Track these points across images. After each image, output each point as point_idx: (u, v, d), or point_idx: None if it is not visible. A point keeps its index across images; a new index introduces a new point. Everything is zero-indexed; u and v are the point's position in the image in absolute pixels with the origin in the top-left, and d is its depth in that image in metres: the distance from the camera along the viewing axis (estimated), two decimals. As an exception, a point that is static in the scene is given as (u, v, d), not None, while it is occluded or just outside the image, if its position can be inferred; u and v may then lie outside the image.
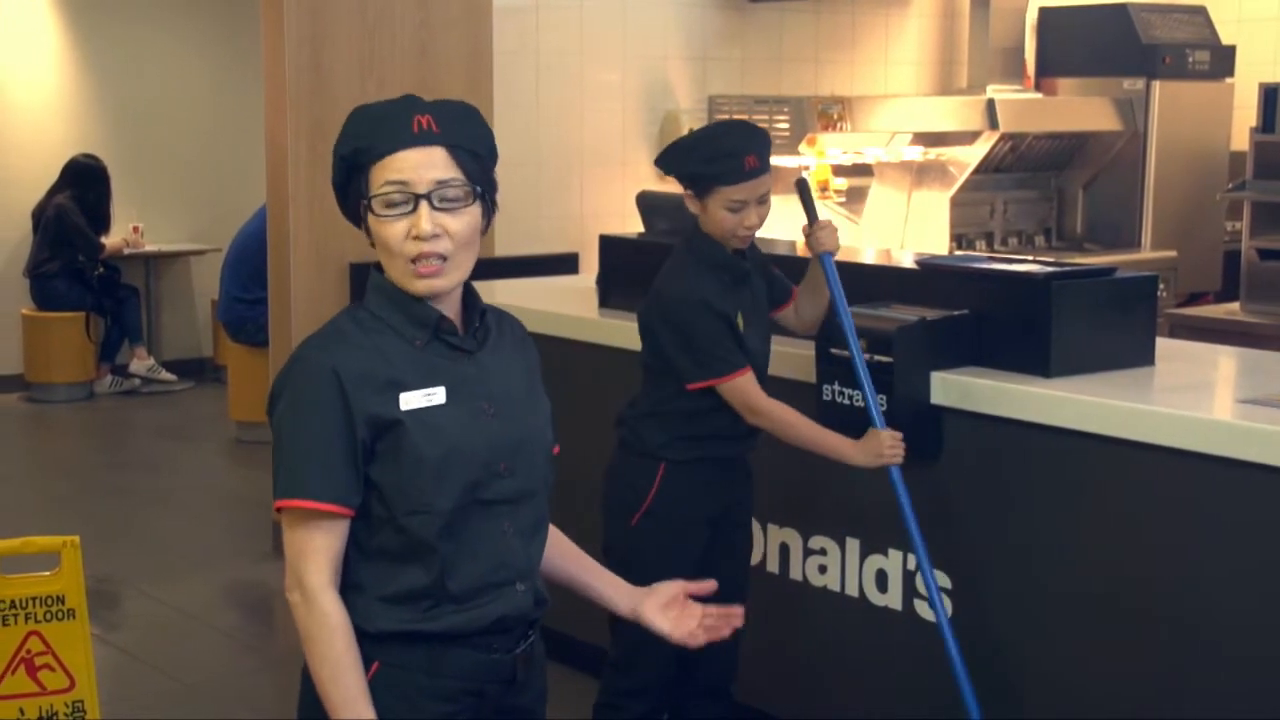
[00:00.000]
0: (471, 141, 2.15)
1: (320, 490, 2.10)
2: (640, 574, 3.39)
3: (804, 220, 3.50)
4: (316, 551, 2.11)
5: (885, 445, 3.32)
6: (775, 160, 6.13)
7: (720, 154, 3.28)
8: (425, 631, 2.15)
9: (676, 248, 3.46)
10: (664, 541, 3.37)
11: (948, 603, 3.55)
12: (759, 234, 3.43)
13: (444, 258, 2.12)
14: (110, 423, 8.76)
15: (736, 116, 6.22)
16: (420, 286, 2.13)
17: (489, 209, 2.19)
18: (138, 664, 4.89)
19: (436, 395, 2.14)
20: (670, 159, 3.40)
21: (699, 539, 3.41)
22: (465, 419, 2.15)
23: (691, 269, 3.37)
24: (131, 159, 9.51)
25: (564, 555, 2.41)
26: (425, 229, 2.09)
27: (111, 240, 9.22)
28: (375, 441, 2.12)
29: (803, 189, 3.53)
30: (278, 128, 5.56)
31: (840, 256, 3.50)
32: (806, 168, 6.28)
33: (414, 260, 2.11)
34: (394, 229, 2.11)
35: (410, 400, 2.12)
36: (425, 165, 2.10)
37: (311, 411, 2.11)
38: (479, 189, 2.14)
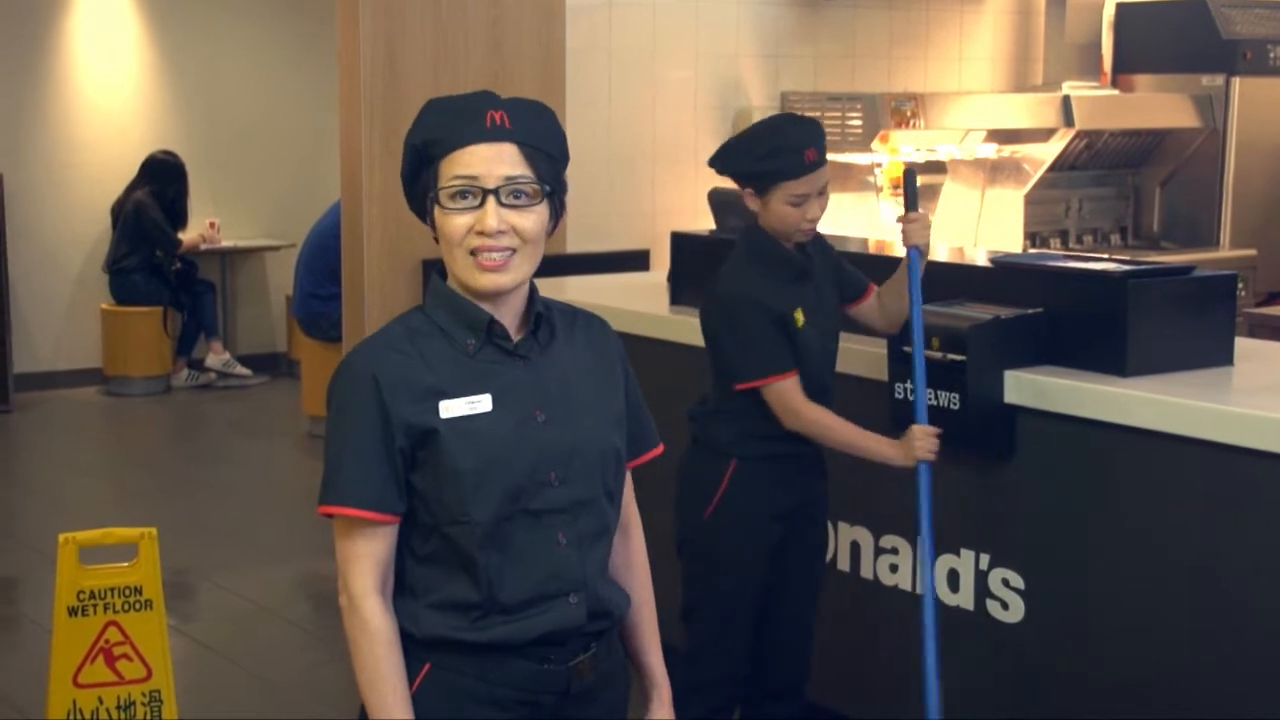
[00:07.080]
0: (544, 140, 2.12)
1: (356, 497, 2.08)
2: (715, 569, 3.41)
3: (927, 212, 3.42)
4: (359, 557, 2.10)
5: (915, 439, 3.28)
6: (848, 158, 6.20)
7: (781, 149, 3.25)
8: (473, 641, 2.11)
9: (735, 246, 3.44)
10: (736, 537, 3.37)
11: (1020, 604, 3.52)
12: (822, 229, 3.40)
13: (508, 252, 2.08)
14: (186, 416, 8.87)
15: (809, 114, 6.18)
16: (484, 280, 2.09)
17: (557, 210, 2.15)
18: (212, 655, 4.95)
19: (481, 403, 2.10)
20: (727, 158, 3.35)
21: (771, 535, 3.40)
22: (511, 427, 2.11)
23: (746, 267, 3.35)
24: (209, 156, 9.62)
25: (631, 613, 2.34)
26: (491, 225, 2.06)
27: (188, 236, 9.33)
28: (416, 450, 2.09)
29: (909, 179, 3.46)
30: (352, 124, 5.60)
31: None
32: (879, 165, 6.24)
33: (475, 253, 2.08)
34: (458, 222, 2.08)
35: (451, 408, 2.08)
36: (496, 161, 2.07)
37: (351, 418, 2.10)
38: (548, 188, 2.11)
